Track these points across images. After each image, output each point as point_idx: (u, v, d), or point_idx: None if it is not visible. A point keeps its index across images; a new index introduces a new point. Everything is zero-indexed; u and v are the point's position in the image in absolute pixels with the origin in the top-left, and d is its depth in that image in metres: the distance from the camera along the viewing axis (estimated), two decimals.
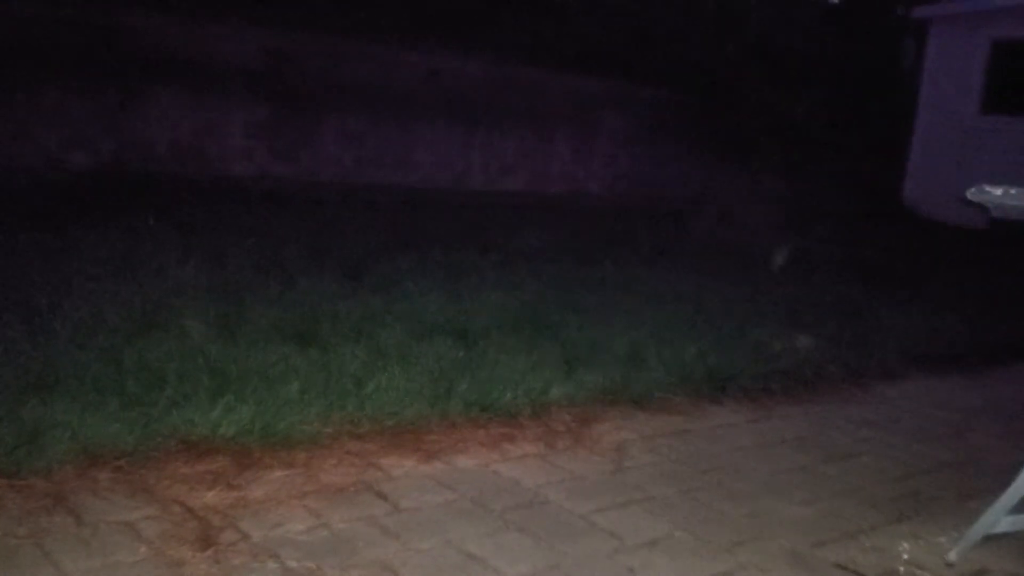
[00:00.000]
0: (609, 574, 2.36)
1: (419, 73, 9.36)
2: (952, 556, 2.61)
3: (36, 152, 7.35)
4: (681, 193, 11.17)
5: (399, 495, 2.64)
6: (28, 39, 7.21)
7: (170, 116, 8.05)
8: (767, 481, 3.12)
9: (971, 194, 2.55)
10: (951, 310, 5.95)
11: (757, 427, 3.67)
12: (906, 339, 5.16)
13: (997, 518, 2.57)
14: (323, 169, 8.82)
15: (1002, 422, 4.12)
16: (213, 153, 8.31)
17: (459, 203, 8.99)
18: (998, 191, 2.44)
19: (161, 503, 2.38)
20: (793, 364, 4.30)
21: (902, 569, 2.56)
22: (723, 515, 2.79)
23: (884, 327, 5.34)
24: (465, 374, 3.49)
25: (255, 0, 8.69)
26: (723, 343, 4.38)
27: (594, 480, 2.95)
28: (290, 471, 2.67)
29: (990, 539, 2.64)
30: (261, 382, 3.08)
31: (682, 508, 2.80)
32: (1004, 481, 2.56)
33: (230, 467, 2.63)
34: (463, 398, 3.29)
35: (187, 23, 8.15)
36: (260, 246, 5.19)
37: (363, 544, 2.33)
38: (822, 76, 13.08)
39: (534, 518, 2.61)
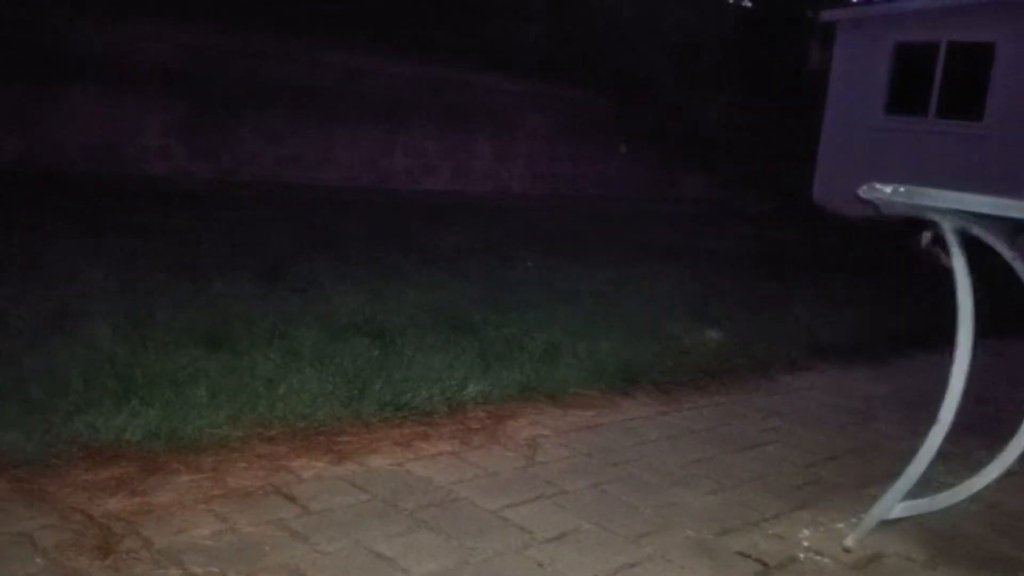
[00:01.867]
0: (518, 569, 2.36)
1: (340, 73, 9.25)
2: (849, 542, 2.67)
3: None
4: (601, 192, 11.29)
5: (309, 497, 2.59)
6: None
7: (83, 114, 7.81)
8: (675, 472, 3.16)
9: (863, 192, 2.61)
10: (856, 302, 6.12)
11: (667, 419, 3.72)
12: (813, 331, 5.29)
13: (892, 504, 2.65)
14: (242, 168, 8.65)
15: (903, 410, 4.23)
16: (129, 152, 8.09)
17: (381, 202, 8.93)
18: (887, 189, 2.51)
19: (60, 512, 2.30)
20: (703, 357, 4.37)
21: (802, 556, 2.62)
22: (631, 507, 2.81)
23: (791, 320, 5.47)
24: (380, 374, 3.45)
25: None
26: (636, 338, 4.42)
27: (507, 476, 2.94)
28: (197, 476, 2.60)
29: (886, 524, 2.71)
30: (169, 386, 3.00)
31: (592, 501, 2.82)
32: (902, 468, 2.64)
33: (135, 473, 2.55)
34: (377, 398, 3.26)
35: (102, 20, 7.90)
36: (175, 247, 5.06)
37: (270, 548, 2.28)
38: (735, 78, 13.35)
39: (445, 516, 2.59)
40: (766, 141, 12.73)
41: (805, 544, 2.69)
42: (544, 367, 3.86)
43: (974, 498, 2.74)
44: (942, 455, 2.59)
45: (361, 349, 3.71)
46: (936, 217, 2.45)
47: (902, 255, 8.51)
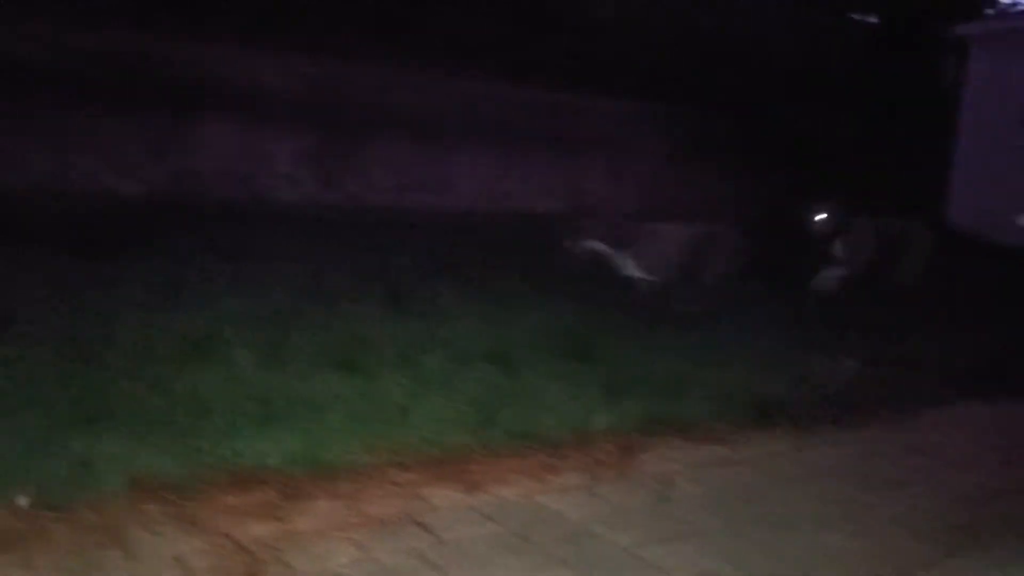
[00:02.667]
0: None
1: (458, 100, 9.38)
2: None
3: (87, 181, 7.46)
4: (719, 214, 11.09)
5: (443, 527, 2.60)
6: (80, 68, 7.33)
7: (218, 144, 8.15)
8: (815, 513, 3.03)
9: None
10: (998, 332, 5.79)
11: (803, 456, 3.58)
12: (952, 363, 5.03)
13: None
14: (367, 194, 8.85)
15: None
16: (261, 180, 8.38)
17: (498, 226, 8.98)
18: None
19: (209, 536, 2.37)
20: (839, 390, 4.20)
21: None
22: (770, 548, 2.71)
23: (930, 351, 5.21)
24: (507, 401, 3.46)
25: (301, 30, 8.77)
26: (768, 368, 4.30)
27: (639, 512, 2.89)
28: (335, 502, 2.64)
29: None
30: (307, 411, 3.08)
31: (729, 542, 2.73)
32: None
33: (276, 498, 2.61)
34: (505, 427, 3.25)
35: (235, 52, 8.25)
36: (306, 272, 5.20)
37: None
38: (862, 96, 12.90)
39: (579, 552, 2.56)
40: (895, 162, 12.23)
41: None
42: (672, 398, 3.78)
43: None
44: None
45: (486, 375, 3.72)
46: None
47: None
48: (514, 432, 3.24)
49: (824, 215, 6.13)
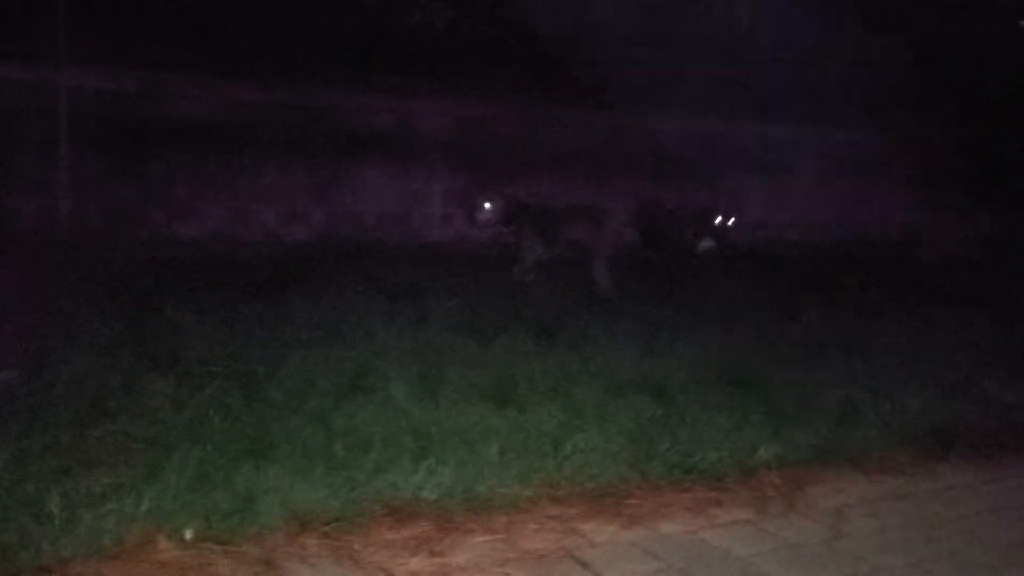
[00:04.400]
0: None
1: (606, 131, 9.31)
2: None
3: (256, 227, 7.82)
4: (881, 236, 10.49)
5: (602, 564, 2.46)
6: (248, 121, 7.72)
7: (375, 188, 8.37)
8: (1008, 551, 2.71)
9: None
10: None
11: (991, 488, 3.23)
12: None
13: None
14: None
15: None
16: (416, 221, 8.55)
17: (647, 256, 8.79)
18: None
19: (366, 570, 2.33)
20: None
21: None
22: None
23: None
24: (665, 433, 3.28)
25: (451, 72, 8.91)
26: (947, 394, 3.93)
27: (811, 549, 2.65)
28: (491, 536, 2.55)
29: None
30: (461, 444, 3.01)
31: None
32: None
33: (432, 532, 2.55)
34: (664, 459, 3.08)
35: (390, 99, 8.48)
36: (459, 307, 5.20)
37: None
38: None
39: None
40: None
41: None
42: (842, 428, 3.50)
43: None
44: None
45: (642, 407, 3.55)
46: None
47: None
48: (673, 464, 3.07)
49: None
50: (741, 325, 5.18)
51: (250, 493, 2.53)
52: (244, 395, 3.26)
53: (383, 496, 2.66)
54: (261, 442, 2.86)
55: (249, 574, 2.23)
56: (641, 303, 5.66)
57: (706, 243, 7.23)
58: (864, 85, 10.39)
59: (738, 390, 3.86)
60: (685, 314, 5.41)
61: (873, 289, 6.62)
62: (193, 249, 7.16)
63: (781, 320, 5.40)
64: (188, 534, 2.31)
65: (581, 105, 9.09)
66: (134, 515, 2.37)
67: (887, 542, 2.73)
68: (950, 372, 4.32)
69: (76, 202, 7.00)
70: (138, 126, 7.17)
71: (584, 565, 2.45)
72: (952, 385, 4.10)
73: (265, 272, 5.94)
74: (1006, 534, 2.84)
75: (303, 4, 8.19)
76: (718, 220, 7.30)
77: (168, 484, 2.50)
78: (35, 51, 6.75)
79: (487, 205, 5.81)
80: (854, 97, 10.25)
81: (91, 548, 2.25)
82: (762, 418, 3.52)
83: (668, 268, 7.15)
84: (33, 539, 2.23)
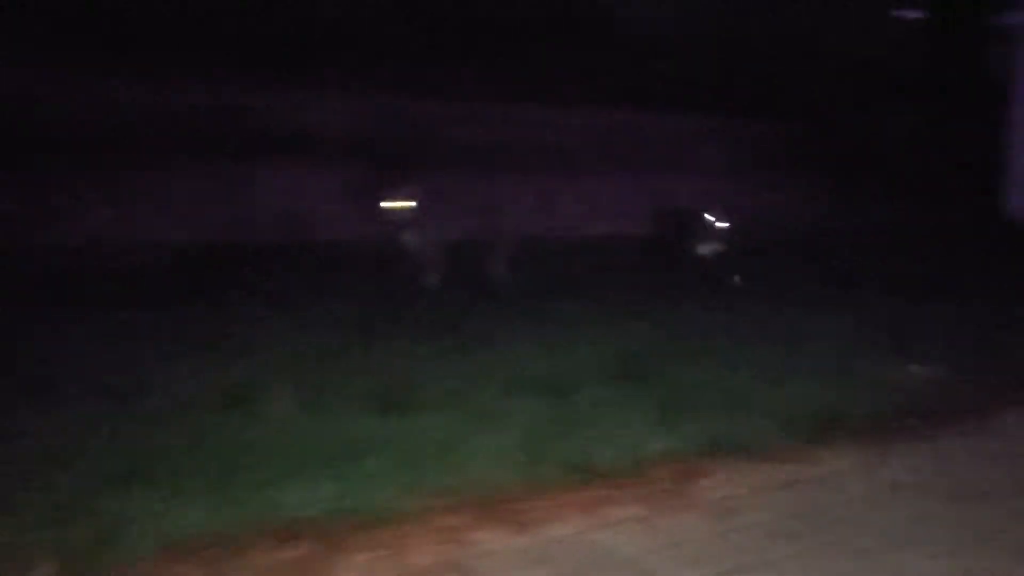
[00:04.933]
0: None
1: (511, 126, 9.26)
2: None
3: (145, 232, 7.48)
4: (777, 223, 10.73)
5: (491, 573, 2.39)
6: (132, 122, 7.39)
7: (271, 187, 8.13)
8: (893, 533, 2.76)
9: None
10: None
11: (874, 471, 3.29)
12: None
13: None
14: None
15: None
16: (315, 220, 8.33)
17: (550, 250, 8.79)
18: None
19: None
20: (907, 398, 3.90)
21: None
22: None
23: (1000, 350, 4.87)
24: (559, 432, 3.24)
25: (345, 67, 8.71)
26: (831, 380, 4.01)
27: (701, 543, 2.64)
28: (376, 553, 2.46)
29: None
30: (346, 457, 2.91)
31: (801, 571, 2.47)
32: None
33: (315, 552, 2.44)
34: (557, 461, 3.04)
35: (282, 95, 8.24)
36: (353, 310, 5.07)
37: None
38: (910, 92, 12.42)
39: None
40: (949, 155, 11.73)
41: None
42: (732, 418, 3.52)
43: None
44: None
45: (538, 406, 3.52)
46: None
47: None
48: (566, 465, 3.02)
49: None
50: (637, 317, 5.20)
51: (120, 520, 2.37)
52: (115, 414, 3.07)
53: (263, 516, 2.54)
54: (132, 464, 2.70)
55: None
56: (543, 298, 5.62)
57: (707, 246, 7.05)
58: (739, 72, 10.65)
59: (633, 384, 3.86)
60: (583, 307, 5.42)
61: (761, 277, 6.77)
62: (77, 257, 6.81)
63: (669, 310, 5.46)
64: (48, 571, 2.14)
65: (481, 98, 9.03)
66: None
67: (775, 532, 2.74)
68: (832, 355, 4.42)
69: None
70: (11, 127, 6.78)
71: (470, 575, 2.38)
72: (835, 369, 4.19)
73: (149, 280, 5.68)
74: (888, 516, 2.88)
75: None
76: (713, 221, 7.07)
77: (23, 518, 2.32)
78: None
79: (388, 205, 5.66)
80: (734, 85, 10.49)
81: None
82: (655, 411, 3.52)
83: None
84: None
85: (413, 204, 5.59)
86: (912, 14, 13.33)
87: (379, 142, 8.65)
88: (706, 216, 7.10)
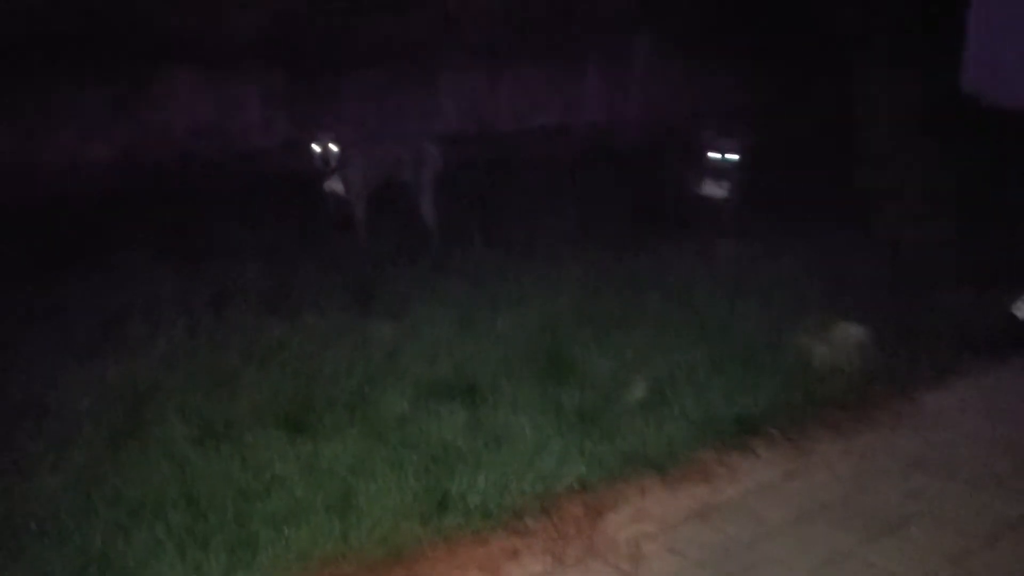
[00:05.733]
0: None
1: (432, 17, 8.61)
2: None
3: (50, 152, 6.96)
4: (725, 106, 10.32)
5: None
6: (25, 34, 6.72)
7: (183, 96, 7.55)
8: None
9: None
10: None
11: (794, 486, 3.19)
12: (963, 314, 4.52)
13: None
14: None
15: None
16: (232, 130, 7.81)
17: (486, 154, 8.41)
18: None
19: None
20: (833, 387, 3.76)
21: None
22: None
23: (934, 296, 4.69)
24: (467, 463, 3.06)
25: None
26: (753, 365, 3.83)
27: None
28: None
29: None
30: (237, 514, 2.71)
31: None
32: None
33: None
34: (462, 504, 2.87)
35: None
36: (268, 272, 4.77)
37: None
38: None
39: None
40: (904, 28, 11.21)
41: None
42: (648, 424, 3.37)
43: None
44: None
45: (448, 423, 3.32)
46: None
47: None
48: (470, 510, 2.86)
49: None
50: (579, 265, 4.97)
51: None
52: None
53: None
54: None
55: None
56: (472, 248, 5.31)
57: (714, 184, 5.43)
58: None
59: (550, 379, 3.67)
60: (515, 257, 5.15)
61: None
62: None
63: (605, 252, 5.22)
64: None
65: None
66: None
67: None
68: (757, 324, 4.23)
69: None
70: None
71: None
72: (760, 344, 4.01)
73: (49, 227, 5.29)
74: (805, 557, 2.79)
75: None
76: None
77: None
78: None
79: (317, 149, 5.14)
80: None
81: None
82: (572, 424, 3.36)
83: None
84: None
85: (334, 149, 5.10)
86: None
87: (301, 42, 8.02)
88: (715, 138, 5.36)
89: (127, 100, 7.35)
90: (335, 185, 5.23)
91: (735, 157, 5.33)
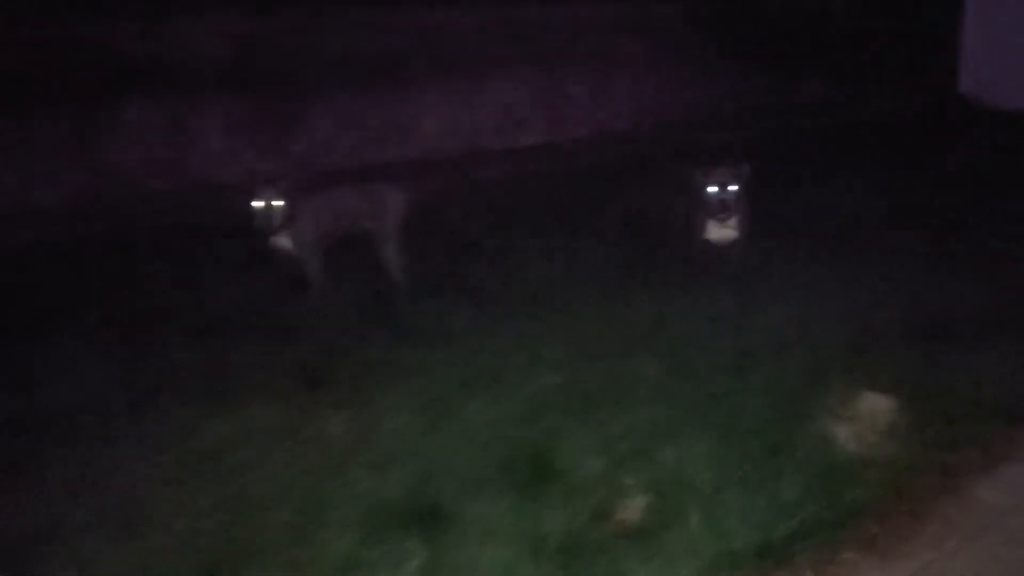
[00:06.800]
0: None
1: (410, 33, 7.90)
2: None
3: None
4: (711, 114, 9.63)
5: None
6: None
7: (138, 131, 6.87)
8: None
9: None
10: None
11: None
12: (1008, 380, 3.80)
13: None
14: (317, 158, 7.57)
15: None
16: (192, 164, 7.14)
17: (467, 175, 7.74)
18: None
19: None
20: (865, 488, 3.06)
21: None
22: None
23: (976, 355, 4.00)
24: None
25: None
26: (771, 463, 3.14)
27: None
28: None
29: None
30: None
31: None
32: None
33: None
34: None
35: (142, 22, 6.82)
36: (212, 344, 4.09)
37: None
38: None
39: None
40: (896, 27, 10.54)
41: None
42: (646, 559, 2.68)
43: None
44: None
45: (403, 561, 2.64)
46: None
47: None
48: None
49: None
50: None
51: None
52: None
53: None
54: None
55: None
56: (445, 301, 4.62)
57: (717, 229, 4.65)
58: None
59: (531, 497, 2.98)
60: (490, 319, 4.46)
61: None
62: None
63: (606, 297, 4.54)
64: None
65: (378, 4, 7.62)
66: None
67: None
68: (779, 412, 3.53)
69: None
70: None
71: None
72: (771, 426, 3.33)
73: None
74: None
75: None
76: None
77: None
78: None
79: (258, 205, 4.37)
80: None
81: None
82: (552, 557, 2.68)
83: None
84: None
85: (281, 203, 4.37)
86: None
87: (266, 66, 7.32)
88: (716, 172, 4.51)
89: (77, 138, 6.68)
90: (283, 242, 4.51)
91: (736, 188, 4.58)
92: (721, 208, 4.54)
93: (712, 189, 4.53)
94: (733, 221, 4.63)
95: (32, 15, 6.37)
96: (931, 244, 5.40)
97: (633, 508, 2.91)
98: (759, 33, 9.85)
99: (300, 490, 3.00)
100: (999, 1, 10.41)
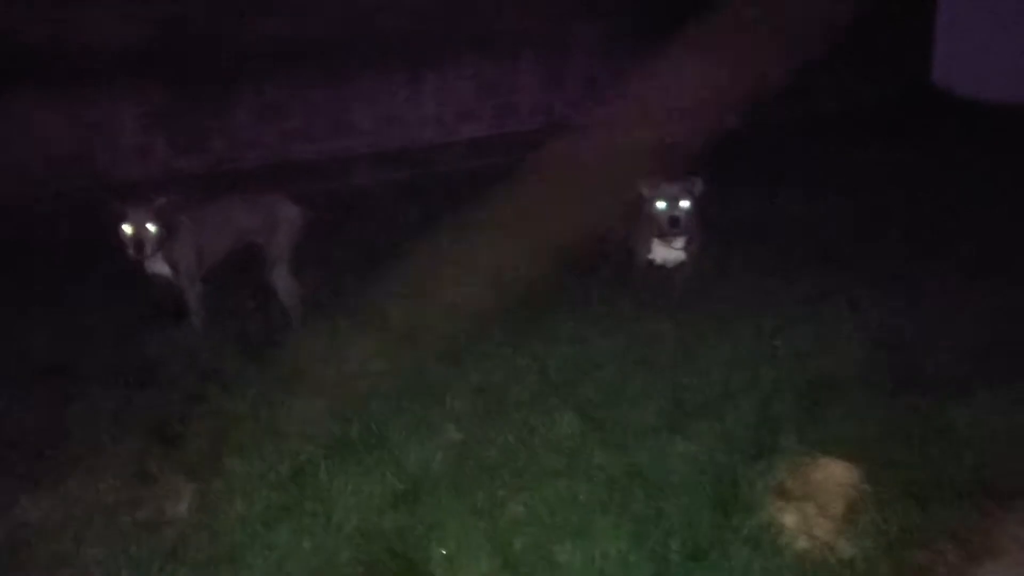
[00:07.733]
0: None
1: (342, 17, 7.08)
2: None
3: None
4: (674, 105, 8.86)
5: None
6: None
7: (38, 126, 6.06)
8: None
9: None
10: None
11: None
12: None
13: None
14: (241, 154, 6.78)
15: None
16: (100, 160, 6.33)
17: (406, 172, 7.00)
18: None
19: None
20: None
21: None
22: None
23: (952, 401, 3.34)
24: None
25: None
26: None
27: None
28: None
29: None
30: None
31: None
32: None
33: None
34: None
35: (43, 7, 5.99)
36: (58, 393, 3.36)
37: None
38: None
39: None
40: (868, 14, 9.80)
41: None
42: None
43: None
44: None
45: None
46: None
47: None
48: None
49: None
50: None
51: None
52: None
53: None
54: None
55: None
56: (342, 335, 3.90)
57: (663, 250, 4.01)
58: None
59: None
60: (389, 360, 3.74)
61: None
62: None
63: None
64: None
65: None
66: None
67: None
68: (722, 498, 2.84)
69: None
70: None
71: None
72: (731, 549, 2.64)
73: None
74: None
75: None
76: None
77: None
78: None
79: (128, 231, 3.62)
80: None
81: None
82: None
83: None
84: None
85: (155, 228, 3.62)
86: None
87: (183, 51, 6.49)
88: (665, 186, 3.84)
89: None
90: (159, 267, 3.77)
91: (687, 204, 3.85)
92: (670, 226, 3.82)
93: (661, 205, 3.82)
94: (681, 241, 3.93)
95: None
96: (902, 259, 4.71)
97: None
98: (723, 19, 9.07)
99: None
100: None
